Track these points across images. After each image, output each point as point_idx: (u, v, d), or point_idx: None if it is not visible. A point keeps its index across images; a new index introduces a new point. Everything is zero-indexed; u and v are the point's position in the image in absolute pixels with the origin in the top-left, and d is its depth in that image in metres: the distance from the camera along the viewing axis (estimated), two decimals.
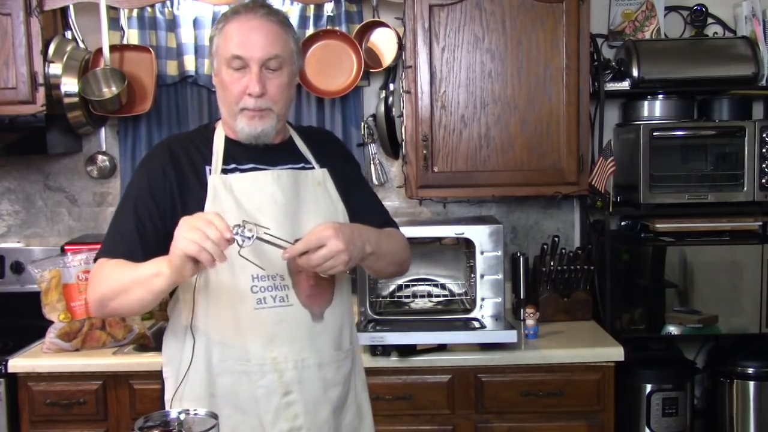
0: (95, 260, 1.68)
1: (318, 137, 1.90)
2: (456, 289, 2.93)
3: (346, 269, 1.59)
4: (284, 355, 1.66)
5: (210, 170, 1.69)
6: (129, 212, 1.67)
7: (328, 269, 1.55)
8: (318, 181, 1.77)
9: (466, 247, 2.81)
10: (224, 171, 1.69)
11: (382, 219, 1.88)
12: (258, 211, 1.66)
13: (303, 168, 1.77)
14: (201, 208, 1.64)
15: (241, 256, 1.54)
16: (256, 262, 1.60)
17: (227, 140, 1.74)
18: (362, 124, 3.10)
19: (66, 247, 2.85)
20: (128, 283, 1.56)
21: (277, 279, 1.65)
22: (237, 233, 1.46)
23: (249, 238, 1.47)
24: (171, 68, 3.05)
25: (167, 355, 1.77)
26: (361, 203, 1.85)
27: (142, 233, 1.63)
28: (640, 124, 2.80)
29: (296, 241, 1.60)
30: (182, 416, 1.34)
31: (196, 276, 1.58)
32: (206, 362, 1.67)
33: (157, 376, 2.46)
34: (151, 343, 2.71)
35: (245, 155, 1.72)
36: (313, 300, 1.70)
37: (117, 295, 1.58)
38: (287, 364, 1.66)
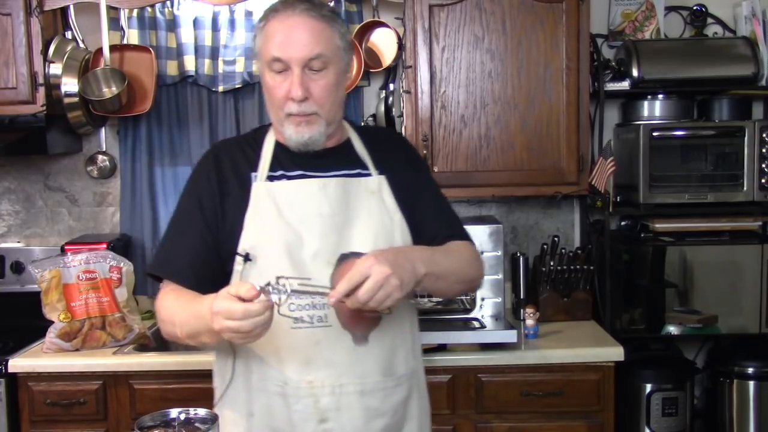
0: (148, 273, 1.70)
1: (381, 139, 1.75)
2: None
3: (402, 295, 1.40)
4: (321, 379, 1.54)
5: (255, 177, 1.60)
6: (179, 228, 1.63)
7: (382, 301, 1.37)
8: (372, 189, 1.62)
9: None
10: (270, 178, 1.60)
11: (449, 230, 1.70)
12: (301, 223, 1.56)
13: (358, 174, 1.63)
14: (241, 217, 1.57)
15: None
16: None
17: (277, 145, 1.63)
18: (362, 124, 3.09)
19: (66, 247, 2.85)
20: (195, 332, 1.50)
21: (316, 297, 1.50)
22: (269, 290, 1.34)
23: (284, 293, 1.35)
24: (171, 68, 3.04)
25: (216, 366, 1.70)
26: (425, 213, 1.67)
27: (190, 253, 1.58)
28: (640, 124, 2.80)
29: (339, 262, 1.53)
30: (182, 416, 1.34)
31: None
32: (246, 380, 1.59)
33: (157, 376, 2.51)
34: (152, 343, 2.72)
35: (294, 161, 1.61)
36: (356, 321, 1.55)
37: (190, 338, 1.53)
38: (324, 389, 1.54)
